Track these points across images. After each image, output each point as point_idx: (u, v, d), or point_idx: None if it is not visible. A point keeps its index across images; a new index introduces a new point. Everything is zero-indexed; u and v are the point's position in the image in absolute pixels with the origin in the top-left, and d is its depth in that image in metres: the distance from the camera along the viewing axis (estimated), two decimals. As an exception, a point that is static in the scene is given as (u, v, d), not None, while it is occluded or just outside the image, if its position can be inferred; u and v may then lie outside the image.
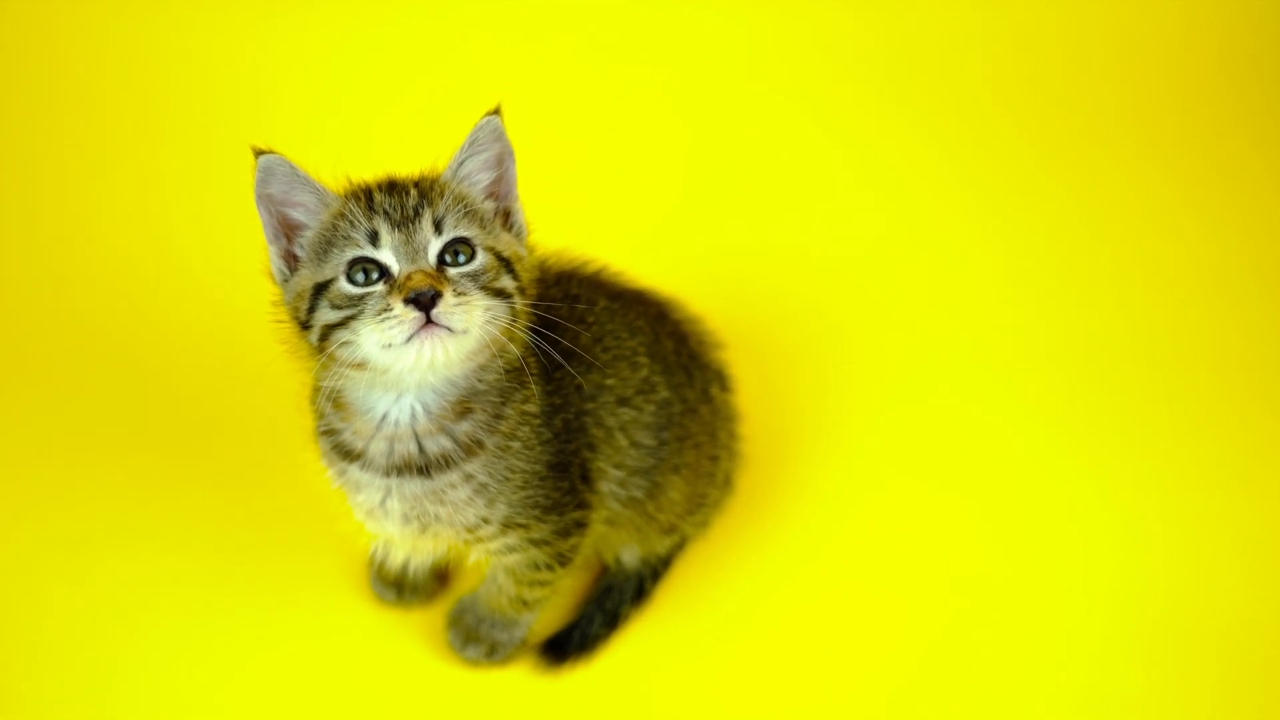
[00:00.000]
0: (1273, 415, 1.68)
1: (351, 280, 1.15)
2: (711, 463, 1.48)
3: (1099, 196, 1.96)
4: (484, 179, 1.23)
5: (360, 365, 1.16)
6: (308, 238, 1.20)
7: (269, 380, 1.57)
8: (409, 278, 1.13)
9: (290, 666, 1.43)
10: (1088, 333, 1.79)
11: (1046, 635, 1.48)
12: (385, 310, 1.13)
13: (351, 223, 1.17)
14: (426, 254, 1.16)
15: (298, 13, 2.05)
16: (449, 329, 1.13)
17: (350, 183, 1.22)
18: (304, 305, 1.18)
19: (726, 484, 1.53)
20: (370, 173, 1.24)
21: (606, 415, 1.34)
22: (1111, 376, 1.73)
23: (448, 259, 1.17)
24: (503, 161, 1.22)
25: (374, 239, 1.16)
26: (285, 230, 1.21)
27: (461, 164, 1.22)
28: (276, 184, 1.19)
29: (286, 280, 1.21)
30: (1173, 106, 2.06)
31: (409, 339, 1.13)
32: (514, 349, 1.20)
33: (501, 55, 2.06)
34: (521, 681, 1.42)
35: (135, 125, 1.97)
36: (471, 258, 1.17)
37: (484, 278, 1.17)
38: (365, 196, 1.19)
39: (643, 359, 1.38)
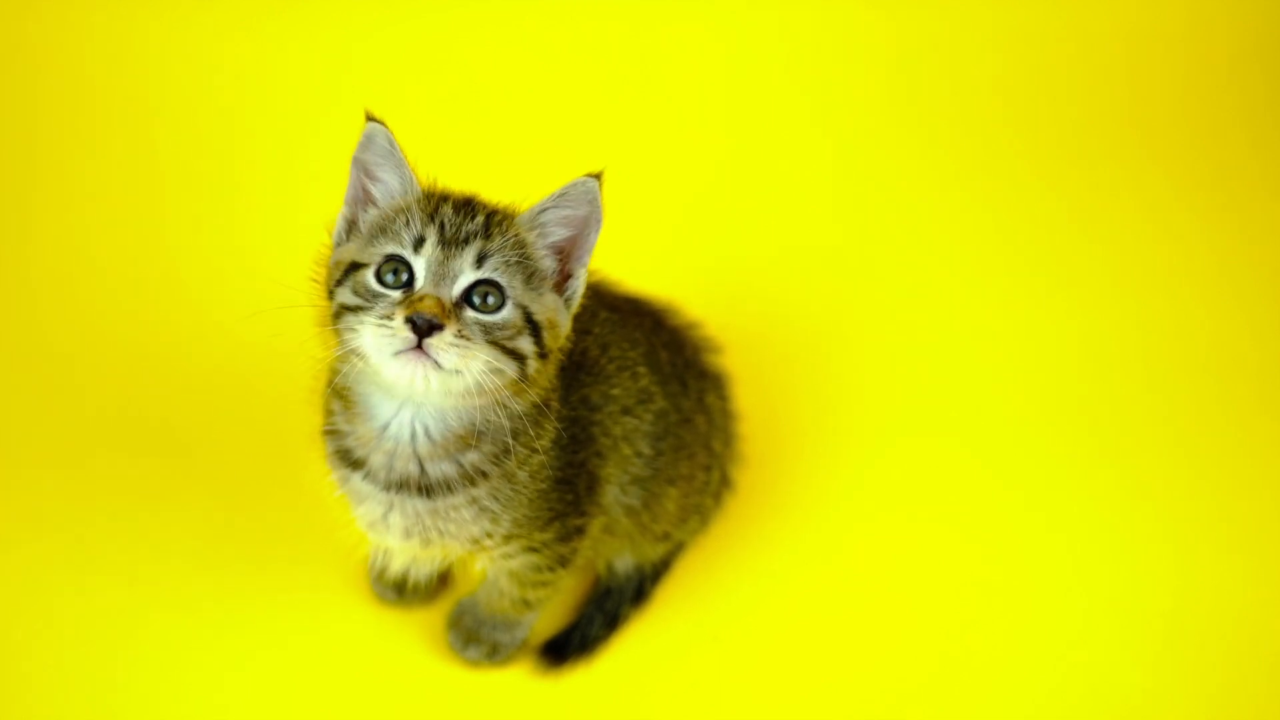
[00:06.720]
0: (1272, 419, 1.69)
1: (379, 277, 1.15)
2: (705, 473, 1.47)
3: (1100, 205, 1.95)
4: (558, 234, 1.20)
5: (358, 354, 1.16)
6: (371, 215, 1.20)
7: (269, 384, 1.58)
8: (421, 299, 1.13)
9: (291, 667, 1.43)
10: (1087, 335, 1.79)
11: (1046, 633, 1.49)
12: (387, 318, 1.13)
13: (408, 220, 1.16)
14: (454, 282, 1.15)
15: (293, 15, 2.01)
16: (436, 363, 1.12)
17: (435, 185, 1.21)
18: (336, 276, 1.19)
19: (722, 489, 1.53)
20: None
21: (612, 425, 1.34)
22: (1110, 379, 1.73)
23: (475, 299, 1.15)
24: (587, 226, 1.20)
25: (418, 245, 1.15)
26: (364, 199, 1.21)
27: (543, 211, 1.20)
28: (370, 153, 1.19)
29: (340, 244, 1.21)
30: (1171, 115, 2.05)
31: (396, 354, 1.13)
32: (520, 404, 1.19)
33: (499, 61, 2.03)
34: (522, 682, 1.43)
35: (131, 131, 1.93)
36: (499, 308, 1.16)
37: (499, 333, 1.15)
38: (435, 202, 1.18)
39: (642, 369, 1.38)
